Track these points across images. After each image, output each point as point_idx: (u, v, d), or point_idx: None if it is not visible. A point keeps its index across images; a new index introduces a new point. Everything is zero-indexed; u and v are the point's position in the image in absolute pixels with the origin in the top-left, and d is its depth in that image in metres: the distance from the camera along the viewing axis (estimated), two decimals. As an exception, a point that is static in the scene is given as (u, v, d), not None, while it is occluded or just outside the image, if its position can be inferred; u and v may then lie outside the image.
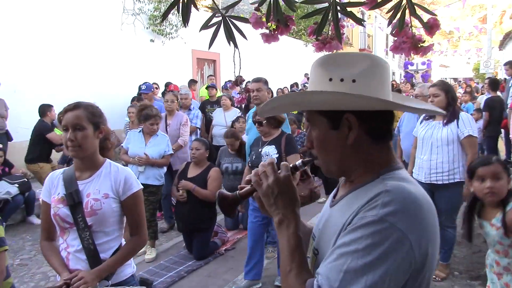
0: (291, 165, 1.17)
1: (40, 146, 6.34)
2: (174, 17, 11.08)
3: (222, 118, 7.39)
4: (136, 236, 2.19)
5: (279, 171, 1.15)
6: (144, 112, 4.91)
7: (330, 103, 1.02)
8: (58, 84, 8.02)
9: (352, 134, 1.05)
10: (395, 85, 14.66)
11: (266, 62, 14.98)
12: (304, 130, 8.06)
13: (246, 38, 1.65)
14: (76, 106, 2.05)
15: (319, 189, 3.92)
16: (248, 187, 1.21)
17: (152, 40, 11.47)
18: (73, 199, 2.05)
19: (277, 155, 3.81)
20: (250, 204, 4.10)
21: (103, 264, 2.05)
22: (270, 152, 3.84)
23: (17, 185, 5.80)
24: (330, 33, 1.62)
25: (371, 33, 29.71)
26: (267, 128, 3.92)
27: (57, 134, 6.28)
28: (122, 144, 5.39)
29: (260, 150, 3.93)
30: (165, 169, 5.15)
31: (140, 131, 5.09)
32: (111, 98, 9.10)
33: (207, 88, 9.64)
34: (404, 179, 1.04)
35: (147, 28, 11.30)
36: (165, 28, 11.61)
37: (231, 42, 1.65)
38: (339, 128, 1.06)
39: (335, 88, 1.03)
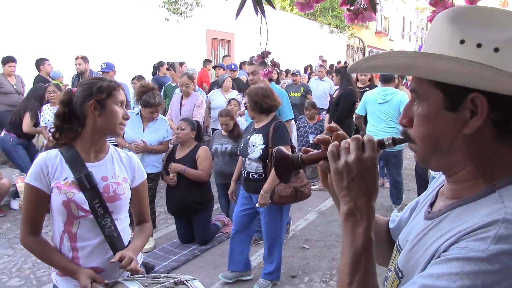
0: (376, 140, 0.92)
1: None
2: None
3: (222, 100, 7.02)
4: (148, 223, 2.13)
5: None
6: (145, 98, 4.39)
7: (460, 76, 0.75)
8: (72, 63, 7.99)
9: (475, 121, 0.78)
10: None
11: (281, 44, 14.79)
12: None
13: (274, 8, 1.58)
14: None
15: (309, 186, 3.72)
16: (315, 151, 0.98)
17: (167, 19, 11.38)
18: (88, 183, 1.84)
19: (263, 145, 3.47)
20: (240, 191, 3.87)
21: (132, 245, 1.94)
22: (256, 142, 3.51)
23: None
24: (363, 3, 1.55)
25: (387, 15, 29.13)
26: (252, 112, 3.59)
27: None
28: None
29: (248, 137, 3.63)
30: (163, 154, 4.84)
31: (137, 113, 4.62)
32: (125, 77, 9.08)
33: (214, 68, 9.49)
34: None
35: (162, 6, 11.21)
36: (180, 7, 11.51)
37: (258, 12, 1.58)
38: (457, 110, 0.80)
39: (467, 54, 0.76)
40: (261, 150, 3.49)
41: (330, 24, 20.92)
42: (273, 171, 3.36)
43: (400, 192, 5.97)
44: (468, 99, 0.78)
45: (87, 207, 1.83)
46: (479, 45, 0.76)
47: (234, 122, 5.06)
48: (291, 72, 9.42)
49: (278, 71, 10.59)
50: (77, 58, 7.10)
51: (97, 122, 1.86)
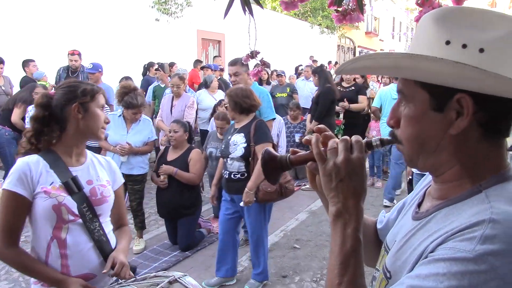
0: (364, 141, 0.92)
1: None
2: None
3: (211, 101, 6.83)
4: (126, 226, 2.11)
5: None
6: (127, 99, 4.30)
7: (445, 76, 0.76)
8: (62, 64, 7.92)
9: (460, 122, 0.79)
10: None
11: (271, 44, 14.80)
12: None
13: (262, 7, 1.58)
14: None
15: (293, 183, 3.72)
16: (303, 152, 0.98)
17: (157, 19, 11.33)
18: (74, 187, 1.80)
19: (245, 144, 3.48)
20: (223, 195, 3.84)
21: (121, 247, 1.93)
22: (237, 141, 3.51)
23: None
24: (350, 5, 1.56)
25: (377, 15, 29.29)
26: (232, 113, 3.60)
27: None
28: None
29: (229, 138, 3.62)
30: (148, 155, 4.80)
31: (120, 115, 4.54)
32: (115, 77, 9.03)
33: (202, 68, 9.40)
34: None
35: (152, 7, 11.16)
36: (170, 7, 11.47)
37: (246, 12, 1.58)
38: (443, 110, 0.80)
39: (452, 55, 0.75)
40: (243, 149, 3.48)
41: (321, 25, 20.98)
42: (256, 169, 3.39)
43: (396, 183, 6.16)
44: (454, 99, 0.78)
45: (76, 211, 1.78)
46: (464, 46, 0.77)
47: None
48: (277, 73, 9.41)
49: (269, 71, 10.60)
50: (73, 54, 6.99)
51: (80, 126, 1.83)
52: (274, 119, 4.48)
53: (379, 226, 1.19)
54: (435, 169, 0.87)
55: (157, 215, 5.03)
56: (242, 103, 3.53)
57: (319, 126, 0.98)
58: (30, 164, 1.76)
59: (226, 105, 3.62)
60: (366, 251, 0.90)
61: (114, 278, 1.90)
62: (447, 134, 0.81)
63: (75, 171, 1.85)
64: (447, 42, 0.78)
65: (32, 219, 1.79)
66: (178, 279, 1.80)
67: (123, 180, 2.10)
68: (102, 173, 1.96)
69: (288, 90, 9.04)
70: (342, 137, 0.91)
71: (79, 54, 7.03)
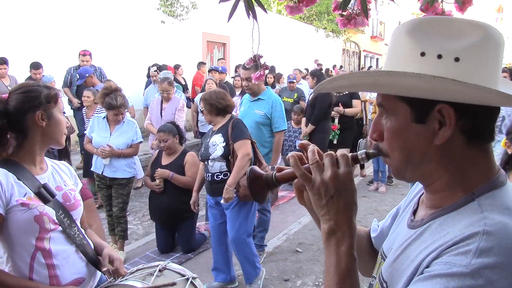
0: (350, 155, 0.90)
1: None
2: (186, -1, 11.00)
3: None
4: (89, 230, 2.06)
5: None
6: (107, 100, 4.19)
7: (424, 91, 0.75)
8: (68, 66, 7.95)
9: (444, 132, 0.78)
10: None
11: (276, 47, 14.83)
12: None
13: (266, 11, 1.59)
14: None
15: (277, 190, 3.73)
16: (289, 169, 0.95)
17: (162, 22, 11.37)
18: (47, 195, 1.72)
19: (224, 143, 3.49)
20: (208, 200, 3.80)
21: (106, 245, 1.96)
22: (216, 141, 3.51)
23: None
24: (355, 9, 1.56)
25: (383, 20, 29.26)
26: (208, 116, 3.63)
27: None
28: (85, 132, 4.83)
29: (208, 140, 3.62)
30: (135, 158, 4.66)
31: (104, 117, 4.45)
32: (121, 80, 9.07)
33: (209, 71, 9.42)
34: (510, 209, 0.76)
35: (158, 9, 11.20)
36: (176, 10, 11.51)
37: (250, 16, 1.58)
38: (425, 121, 0.80)
39: (428, 67, 0.76)
40: (222, 148, 3.49)
41: (326, 28, 21.00)
42: (236, 165, 3.42)
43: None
44: (435, 110, 0.78)
45: (55, 219, 1.72)
46: (439, 56, 0.76)
47: None
48: (289, 80, 9.21)
49: (274, 75, 10.58)
50: (84, 55, 7.10)
51: (44, 133, 1.73)
52: (285, 130, 4.44)
53: (373, 234, 1.18)
54: (424, 179, 0.87)
55: (149, 221, 4.90)
56: (218, 104, 3.57)
57: (302, 142, 0.97)
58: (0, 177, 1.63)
59: (202, 110, 3.62)
60: (361, 263, 0.91)
61: (99, 278, 1.94)
62: (432, 145, 0.80)
63: (42, 179, 1.75)
64: (422, 54, 0.77)
65: (6, 235, 1.66)
66: (165, 266, 1.92)
67: (82, 184, 2.05)
68: (66, 178, 1.91)
69: (295, 96, 8.98)
70: (326, 152, 0.90)
71: (90, 55, 7.16)
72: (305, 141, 0.97)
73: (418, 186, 1.04)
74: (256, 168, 1.00)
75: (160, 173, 4.39)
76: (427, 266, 0.74)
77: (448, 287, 0.68)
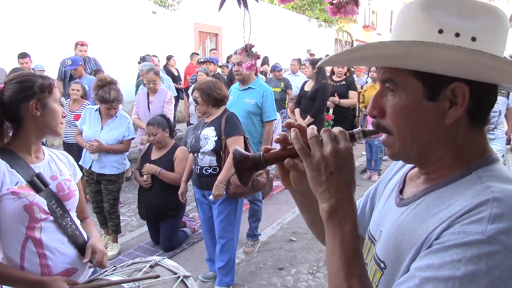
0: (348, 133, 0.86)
1: None
2: (177, -11, 10.91)
3: None
4: (89, 218, 2.08)
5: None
6: (100, 93, 4.05)
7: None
8: (58, 57, 7.89)
9: (455, 111, 0.78)
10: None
11: (268, 37, 14.76)
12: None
13: (257, 0, 1.59)
14: None
15: (265, 176, 3.62)
16: (277, 149, 0.91)
17: (154, 12, 11.27)
18: (40, 185, 1.72)
19: (216, 137, 3.37)
20: (195, 192, 3.74)
21: (95, 236, 1.93)
22: (208, 134, 3.39)
23: None
24: (346, -3, 1.56)
25: (375, 9, 29.21)
26: (204, 107, 3.46)
27: None
28: (76, 123, 4.72)
29: (199, 132, 3.47)
30: (126, 154, 4.47)
31: (97, 109, 4.28)
32: (112, 71, 9.00)
33: (203, 62, 9.32)
34: (510, 179, 0.78)
35: (149, -1, 11.11)
36: (167, 0, 11.41)
37: (241, 5, 1.58)
38: (437, 99, 0.79)
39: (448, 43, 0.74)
40: (214, 142, 3.38)
41: (318, 18, 20.93)
42: (227, 162, 3.33)
43: None
44: (448, 89, 0.77)
45: (46, 208, 1.72)
46: (457, 35, 0.75)
47: None
48: (276, 69, 9.05)
49: (267, 65, 10.54)
50: (82, 45, 7.10)
51: (38, 122, 1.74)
52: (275, 120, 4.40)
53: None
54: (427, 158, 0.85)
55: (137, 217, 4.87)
56: (216, 95, 3.44)
57: (288, 121, 0.93)
58: None
59: (197, 99, 3.48)
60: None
61: (92, 270, 1.93)
62: (441, 124, 0.80)
63: (37, 168, 1.76)
64: (440, 31, 0.76)
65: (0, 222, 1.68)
66: (158, 262, 1.87)
67: (81, 174, 2.06)
68: (63, 168, 1.91)
69: (282, 85, 8.93)
70: (324, 128, 0.86)
71: (87, 46, 7.20)
72: (290, 120, 0.93)
73: (397, 165, 1.04)
74: (241, 150, 0.94)
75: (148, 168, 4.25)
76: (437, 238, 0.73)
77: (466, 256, 0.67)
